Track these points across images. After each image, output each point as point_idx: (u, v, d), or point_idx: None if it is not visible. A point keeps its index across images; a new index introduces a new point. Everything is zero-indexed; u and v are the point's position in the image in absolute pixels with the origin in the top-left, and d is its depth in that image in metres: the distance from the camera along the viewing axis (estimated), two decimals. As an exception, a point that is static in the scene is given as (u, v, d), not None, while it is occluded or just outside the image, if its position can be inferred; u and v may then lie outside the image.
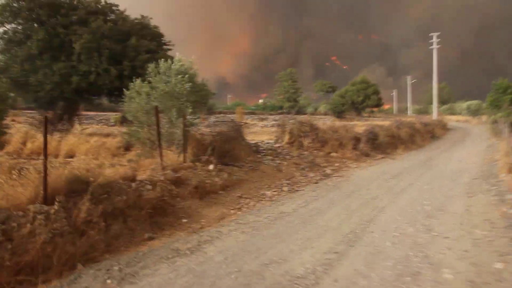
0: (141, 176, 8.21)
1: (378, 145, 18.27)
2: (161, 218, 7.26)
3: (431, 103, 74.22)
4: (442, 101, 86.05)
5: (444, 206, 8.15)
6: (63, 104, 22.42)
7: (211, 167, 9.91)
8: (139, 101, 10.39)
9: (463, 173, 12.63)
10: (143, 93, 10.41)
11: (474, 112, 66.93)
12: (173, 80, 10.33)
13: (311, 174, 12.46)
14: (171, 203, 7.78)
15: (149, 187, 7.56)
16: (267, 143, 16.20)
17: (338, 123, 20.63)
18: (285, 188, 10.41)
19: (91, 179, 6.42)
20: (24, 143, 14.36)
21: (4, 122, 11.15)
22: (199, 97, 10.96)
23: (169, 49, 26.16)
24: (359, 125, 28.84)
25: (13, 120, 33.21)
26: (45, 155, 6.00)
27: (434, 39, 45.47)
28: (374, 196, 9.38)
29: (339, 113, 63.41)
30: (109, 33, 20.97)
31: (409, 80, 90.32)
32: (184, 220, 7.42)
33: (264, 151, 14.53)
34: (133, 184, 7.32)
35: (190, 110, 10.26)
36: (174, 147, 10.54)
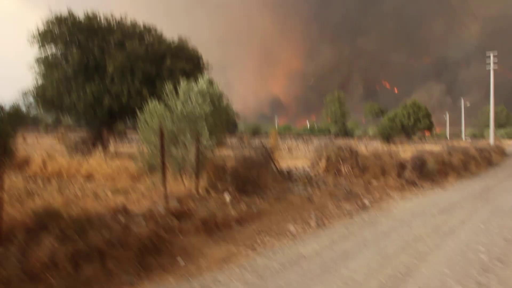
0: (139, 206, 7.18)
1: (426, 173, 16.46)
2: (153, 258, 6.12)
3: (487, 126, 70.11)
4: (499, 125, 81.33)
5: (505, 256, 6.50)
6: (99, 125, 22.25)
7: (226, 197, 8.74)
8: (151, 123, 9.46)
9: (527, 208, 10.76)
10: (155, 115, 9.48)
11: (537, 137, 62.27)
12: (193, 102, 9.37)
13: (347, 206, 11.00)
14: (169, 240, 6.64)
15: (142, 221, 6.48)
16: (302, 169, 14.88)
17: (381, 147, 18.99)
18: (313, 223, 9.04)
19: (63, 212, 5.40)
20: (44, 165, 13.86)
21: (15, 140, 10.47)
22: (221, 120, 9.91)
23: (206, 70, 25.64)
24: (408, 150, 26.92)
25: (58, 140, 33.79)
26: (1, 184, 5.04)
27: (491, 59, 42.65)
28: (416, 236, 7.83)
29: (387, 137, 60.80)
30: (143, 55, 20.61)
31: (463, 102, 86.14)
32: (180, 262, 6.25)
33: (296, 178, 13.23)
34: (122, 218, 6.26)
35: (207, 133, 9.20)
36: (188, 174, 9.52)
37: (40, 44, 20.64)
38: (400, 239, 7.62)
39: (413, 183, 14.98)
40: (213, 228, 7.67)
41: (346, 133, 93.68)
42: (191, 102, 9.35)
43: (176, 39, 23.76)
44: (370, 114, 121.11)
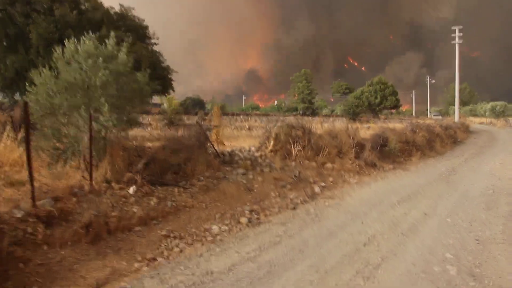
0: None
1: (388, 153, 14.96)
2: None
3: (451, 104, 70.32)
4: (463, 103, 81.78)
5: (479, 266, 4.89)
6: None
7: (131, 190, 6.82)
8: (35, 96, 7.38)
9: (499, 195, 9.28)
10: (39, 86, 7.41)
11: (500, 114, 62.55)
12: (84, 66, 7.34)
13: (292, 195, 9.28)
14: (22, 257, 4.73)
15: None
16: (249, 150, 13.04)
17: (340, 125, 17.38)
18: (244, 219, 7.26)
19: None
20: None
21: None
22: (130, 92, 7.90)
23: (154, 44, 23.36)
24: (371, 128, 25.60)
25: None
26: None
27: (457, 33, 41.59)
28: (369, 238, 6.16)
29: (353, 115, 59.83)
30: (75, 23, 18.15)
31: (428, 80, 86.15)
32: (33, 290, 4.36)
33: (239, 161, 11.40)
34: None
35: (106, 109, 7.20)
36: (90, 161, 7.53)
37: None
38: (347, 243, 5.92)
39: (373, 165, 13.42)
40: (102, 233, 5.77)
41: (313, 111, 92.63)
42: (81, 68, 7.32)
43: (117, 6, 21.37)
44: (338, 92, 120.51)
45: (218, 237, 6.34)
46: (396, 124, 27.06)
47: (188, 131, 10.74)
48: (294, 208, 8.23)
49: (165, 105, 43.13)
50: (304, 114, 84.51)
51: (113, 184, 6.87)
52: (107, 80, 7.27)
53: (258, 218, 7.49)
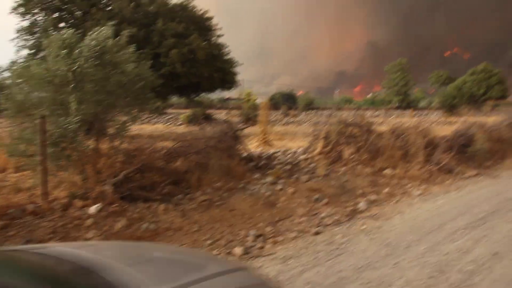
0: None
1: (471, 155, 12.20)
2: None
3: None
4: None
5: None
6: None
7: (92, 209, 5.47)
8: (13, 92, 6.36)
9: None
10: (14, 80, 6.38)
11: None
12: (53, 58, 6.16)
13: (325, 212, 7.36)
14: None
15: None
16: (294, 153, 11.21)
17: (409, 120, 14.74)
18: (239, 250, 5.57)
19: None
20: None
21: None
22: (114, 86, 6.58)
23: (218, 35, 22.26)
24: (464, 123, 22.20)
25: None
26: None
27: None
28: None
29: (450, 108, 54.30)
30: (131, 17, 17.59)
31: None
32: None
33: (276, 165, 9.68)
34: None
35: (74, 106, 5.93)
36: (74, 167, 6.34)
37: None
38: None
39: (449, 171, 10.87)
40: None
41: (408, 104, 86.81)
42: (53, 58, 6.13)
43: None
44: (437, 83, 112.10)
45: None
46: (491, 118, 23.22)
47: (213, 130, 9.24)
48: (316, 233, 6.35)
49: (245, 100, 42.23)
50: (398, 107, 79.37)
51: (76, 201, 5.58)
52: (82, 72, 6.01)
53: (261, 248, 5.76)
